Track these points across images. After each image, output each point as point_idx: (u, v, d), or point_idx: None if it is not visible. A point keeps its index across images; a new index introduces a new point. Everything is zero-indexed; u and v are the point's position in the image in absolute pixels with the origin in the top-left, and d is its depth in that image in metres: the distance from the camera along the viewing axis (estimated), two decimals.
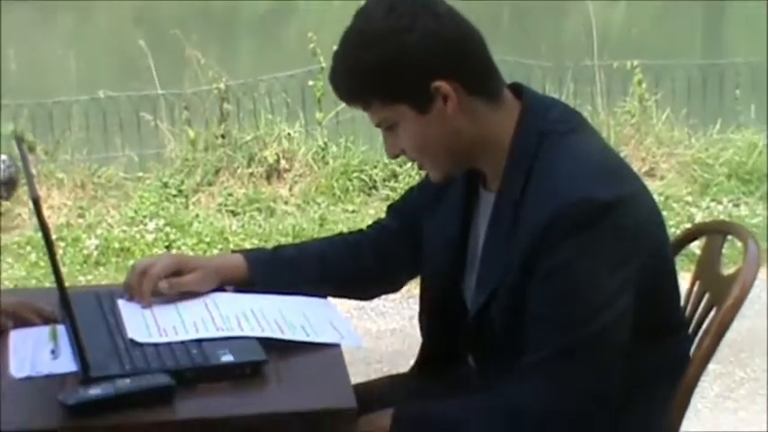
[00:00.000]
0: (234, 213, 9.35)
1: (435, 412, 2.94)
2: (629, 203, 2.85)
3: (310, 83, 10.38)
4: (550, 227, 2.76)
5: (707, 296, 3.24)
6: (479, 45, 2.91)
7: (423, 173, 3.15)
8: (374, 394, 2.97)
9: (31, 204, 2.88)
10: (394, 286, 3.40)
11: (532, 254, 2.79)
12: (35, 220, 2.82)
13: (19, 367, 2.87)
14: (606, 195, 2.80)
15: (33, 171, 8.93)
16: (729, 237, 3.37)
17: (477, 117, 2.90)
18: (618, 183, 2.88)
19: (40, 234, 2.79)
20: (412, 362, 3.32)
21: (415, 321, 3.26)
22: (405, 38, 2.82)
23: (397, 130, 2.92)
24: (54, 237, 3.02)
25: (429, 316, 3.25)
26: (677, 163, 10.15)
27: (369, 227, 3.47)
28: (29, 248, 8.54)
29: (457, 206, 3.10)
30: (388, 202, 3.43)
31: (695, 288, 3.28)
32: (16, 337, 3.01)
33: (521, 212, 2.85)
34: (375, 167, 9.68)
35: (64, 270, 2.79)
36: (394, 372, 3.26)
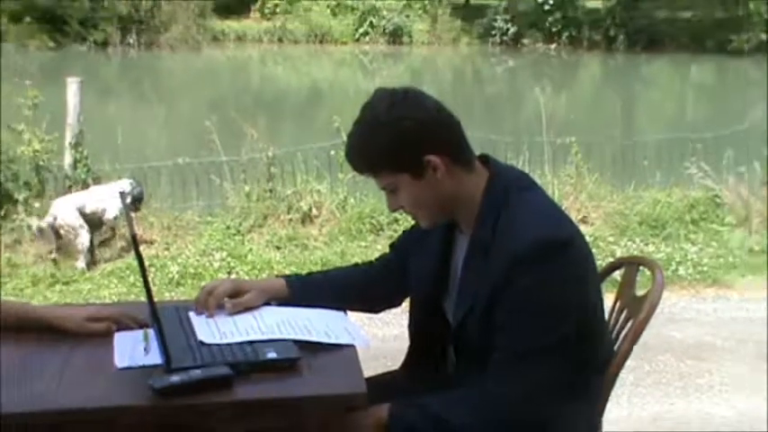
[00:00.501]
0: (278, 248, 9.34)
1: (423, 406, 2.93)
2: (575, 241, 2.90)
3: (332, 152, 10.38)
4: (515, 260, 2.79)
5: (625, 311, 3.25)
6: (457, 127, 2.95)
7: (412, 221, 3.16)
8: (376, 384, 2.96)
9: (130, 239, 2.88)
10: (395, 302, 3.40)
11: (502, 281, 2.81)
12: (133, 252, 2.79)
13: (120, 359, 2.88)
14: (558, 235, 2.86)
15: (132, 215, 8.94)
16: (641, 267, 3.39)
17: (458, 180, 2.92)
18: (564, 226, 2.92)
19: (136, 262, 2.77)
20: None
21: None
22: (403, 125, 2.85)
23: (398, 192, 2.94)
24: (147, 264, 3.04)
25: (416, 328, 3.26)
26: (603, 213, 10.16)
27: (376, 259, 3.49)
28: (128, 272, 8.54)
29: (437, 246, 3.12)
30: (390, 241, 3.44)
31: (617, 305, 3.29)
32: (119, 338, 3.02)
33: (491, 249, 2.87)
34: (382, 215, 9.68)
35: (153, 289, 2.78)
36: (397, 365, 3.27)
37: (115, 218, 9.00)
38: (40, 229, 8.96)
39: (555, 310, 2.81)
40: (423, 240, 3.19)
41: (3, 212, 9.44)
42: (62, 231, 8.86)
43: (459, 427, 2.85)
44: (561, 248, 2.83)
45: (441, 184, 2.91)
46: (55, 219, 8.80)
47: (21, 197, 9.45)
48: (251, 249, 9.23)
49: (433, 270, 3.14)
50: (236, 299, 3.19)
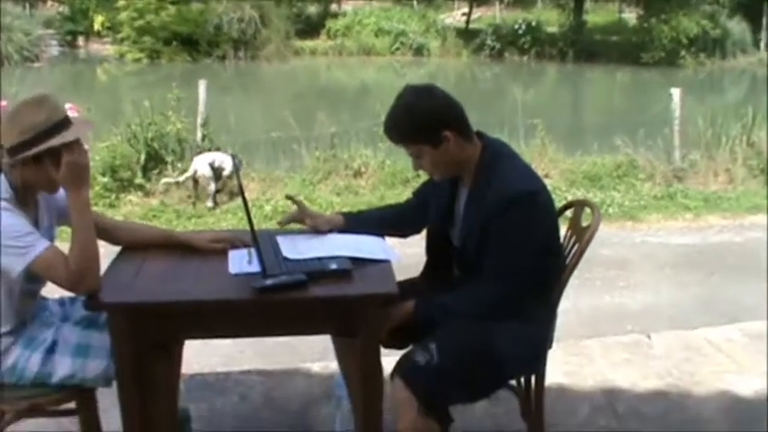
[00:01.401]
0: (337, 194, 9.30)
1: (438, 301, 2.95)
2: (541, 192, 2.91)
3: (374, 129, 10.32)
4: (501, 202, 2.81)
5: (573, 237, 3.22)
6: (462, 111, 2.93)
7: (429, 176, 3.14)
8: (403, 286, 2.95)
9: (238, 189, 2.88)
10: (418, 231, 3.36)
11: (491, 216, 2.83)
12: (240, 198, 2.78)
13: (233, 268, 2.89)
14: (530, 187, 2.88)
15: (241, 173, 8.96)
16: (585, 207, 3.37)
17: (463, 149, 2.92)
18: (535, 181, 2.92)
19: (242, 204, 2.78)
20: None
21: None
22: (425, 110, 2.87)
23: (421, 157, 2.94)
24: (250, 205, 3.06)
25: (430, 249, 3.25)
26: (559, 171, 10.08)
27: (404, 202, 3.47)
28: (238, 211, 8.57)
29: (447, 194, 3.11)
30: (413, 190, 3.42)
31: (568, 234, 3.26)
32: (232, 254, 3.02)
33: (483, 198, 2.88)
34: (408, 172, 9.60)
35: (254, 221, 2.78)
36: (416, 274, 3.27)
37: (228, 174, 9.01)
38: (177, 181, 9.00)
39: (526, 239, 2.83)
40: (437, 190, 3.17)
41: (158, 170, 9.46)
42: (199, 180, 8.89)
43: (461, 314, 2.88)
44: (531, 196, 2.85)
45: (451, 152, 2.90)
46: (195, 171, 8.83)
47: (169, 160, 9.46)
48: (320, 195, 9.20)
49: (443, 210, 3.12)
50: (309, 220, 3.25)
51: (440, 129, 2.87)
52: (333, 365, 3.87)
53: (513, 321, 2.87)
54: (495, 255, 2.86)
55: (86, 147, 2.84)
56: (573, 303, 5.72)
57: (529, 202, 2.84)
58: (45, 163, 2.72)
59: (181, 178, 8.93)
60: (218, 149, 9.52)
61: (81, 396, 2.98)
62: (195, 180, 8.89)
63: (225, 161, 8.87)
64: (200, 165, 8.82)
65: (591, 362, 4.52)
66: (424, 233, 3.31)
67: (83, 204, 2.74)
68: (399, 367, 2.85)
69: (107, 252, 2.85)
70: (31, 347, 2.88)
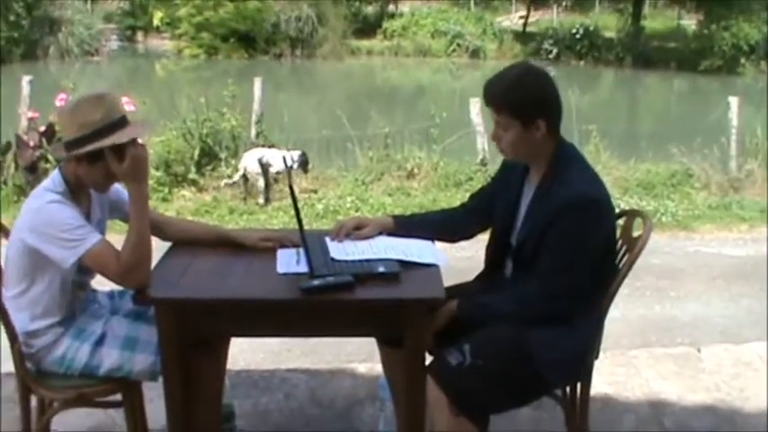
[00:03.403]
0: (389, 195, 9.31)
1: (481, 299, 2.94)
2: (603, 199, 2.89)
3: (431, 130, 10.34)
4: (565, 205, 2.79)
5: (625, 247, 3.18)
6: (561, 108, 2.94)
7: (487, 178, 3.12)
8: (454, 290, 2.94)
9: (288, 189, 2.89)
10: (468, 236, 3.33)
11: (554, 217, 2.81)
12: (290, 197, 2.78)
13: (281, 267, 2.89)
14: (594, 194, 2.86)
15: (293, 173, 8.99)
16: (637, 217, 3.33)
17: (544, 143, 2.90)
18: (599, 189, 2.90)
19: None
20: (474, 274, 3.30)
21: (479, 254, 3.23)
22: (537, 89, 2.88)
23: (507, 130, 2.90)
24: (301, 203, 3.05)
25: (490, 248, 3.20)
26: (613, 178, 9.99)
27: (459, 206, 3.42)
28: (289, 208, 8.57)
29: (513, 193, 3.07)
30: (468, 193, 3.39)
31: (620, 242, 3.22)
32: (280, 253, 3.02)
33: (549, 197, 2.86)
34: (461, 174, 9.62)
35: (305, 220, 2.80)
36: (466, 279, 3.25)
37: (277, 172, 9.04)
38: (234, 182, 9.06)
39: (583, 243, 2.80)
40: (502, 190, 3.15)
41: (212, 166, 9.54)
42: (248, 176, 8.95)
43: (504, 313, 2.87)
44: (596, 203, 2.84)
45: (535, 140, 2.88)
46: (245, 168, 8.89)
47: (223, 156, 9.54)
48: (372, 195, 9.21)
49: (509, 209, 3.09)
50: (358, 230, 3.19)
51: (538, 113, 2.85)
52: (378, 367, 3.85)
53: (553, 327, 2.84)
54: (548, 256, 2.84)
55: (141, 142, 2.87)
56: (622, 313, 5.66)
57: (592, 209, 2.82)
58: (103, 158, 2.76)
59: (236, 177, 8.99)
60: (271, 146, 9.58)
61: (127, 388, 3.01)
62: (245, 176, 8.94)
63: (274, 157, 8.91)
64: (249, 161, 8.89)
65: (638, 373, 4.46)
66: (483, 235, 3.28)
67: (142, 199, 2.79)
68: (432, 367, 2.84)
69: (157, 247, 2.87)
70: (80, 339, 2.92)
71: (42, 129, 8.97)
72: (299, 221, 2.82)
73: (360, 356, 4.62)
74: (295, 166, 8.99)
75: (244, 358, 4.60)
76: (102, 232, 2.95)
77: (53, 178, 2.86)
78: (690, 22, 35.95)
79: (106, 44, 31.23)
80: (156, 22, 33.55)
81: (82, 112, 2.76)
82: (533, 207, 2.97)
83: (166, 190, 9.02)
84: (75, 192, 2.86)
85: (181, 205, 8.79)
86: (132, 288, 2.73)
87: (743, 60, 29.03)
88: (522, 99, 2.86)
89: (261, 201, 8.87)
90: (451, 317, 2.92)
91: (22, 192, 8.50)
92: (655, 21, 37.85)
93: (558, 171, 2.90)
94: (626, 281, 3.08)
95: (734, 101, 10.37)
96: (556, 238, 2.82)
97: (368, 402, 3.98)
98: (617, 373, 4.41)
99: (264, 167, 8.84)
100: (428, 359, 2.86)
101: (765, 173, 10.13)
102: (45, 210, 2.74)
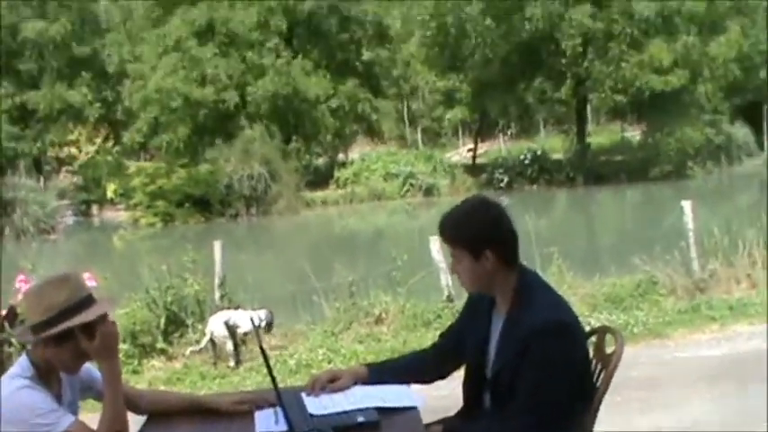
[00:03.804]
0: (360, 342, 9.25)
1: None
2: (571, 324, 2.94)
3: (393, 273, 10.39)
4: (532, 333, 2.82)
5: (599, 365, 3.21)
6: (512, 239, 3.00)
7: (455, 313, 3.16)
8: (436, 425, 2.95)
9: (259, 349, 2.89)
10: (443, 375, 3.35)
11: (523, 347, 2.83)
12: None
13: (260, 427, 2.89)
14: (562, 319, 2.90)
15: (261, 332, 8.94)
16: (608, 334, 3.36)
17: (499, 273, 2.96)
18: (566, 313, 2.95)
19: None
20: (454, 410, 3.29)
21: (456, 391, 3.23)
22: (479, 220, 2.96)
23: (461, 263, 2.98)
24: (272, 360, 3.03)
25: (467, 384, 3.20)
26: (579, 296, 10.05)
27: (430, 346, 3.45)
28: (262, 368, 8.51)
29: (482, 326, 3.09)
30: (437, 331, 3.42)
31: (593, 361, 3.24)
32: (258, 414, 3.01)
33: (518, 326, 2.89)
34: (429, 314, 9.64)
35: (278, 377, 2.80)
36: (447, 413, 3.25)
37: (245, 333, 9.00)
38: (201, 347, 8.99)
39: (556, 369, 2.82)
40: (470, 325, 3.17)
41: (179, 333, 9.49)
42: (215, 340, 8.89)
43: None
44: (566, 327, 2.88)
45: (488, 271, 2.94)
46: (212, 332, 8.84)
47: (189, 322, 9.50)
48: (342, 345, 9.16)
49: (480, 344, 3.10)
50: (333, 383, 3.18)
51: (483, 244, 2.92)
52: None
53: None
54: (526, 385, 2.84)
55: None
56: (605, 430, 5.61)
57: (561, 333, 2.85)
58: (71, 338, 2.76)
59: (203, 343, 8.94)
60: (237, 308, 9.56)
61: None
62: (212, 341, 8.89)
63: (240, 318, 8.88)
64: (215, 325, 8.85)
65: None
66: (459, 372, 3.28)
67: (115, 375, 2.79)
68: None
69: (132, 420, 2.84)
70: None
71: (3, 312, 8.89)
72: (273, 380, 2.82)
73: None
74: (263, 324, 8.96)
75: None
76: (75, 413, 2.91)
77: (21, 363, 2.85)
78: (634, 134, 37.05)
79: (61, 221, 31.39)
80: (109, 194, 33.89)
81: (47, 295, 2.78)
82: (503, 337, 2.99)
83: (136, 362, 8.92)
84: (45, 375, 2.84)
85: (152, 375, 8.69)
86: None
87: (690, 163, 29.80)
88: (470, 231, 2.95)
89: (231, 363, 8.79)
90: None
91: None
92: (599, 136, 38.96)
93: (524, 299, 2.94)
94: (606, 397, 3.09)
95: (687, 204, 10.58)
96: (529, 368, 2.83)
97: None
98: None
99: (231, 330, 8.80)
100: None
101: (728, 270, 10.27)
102: (15, 396, 2.71)
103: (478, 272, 2.95)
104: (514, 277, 2.98)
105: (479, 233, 2.93)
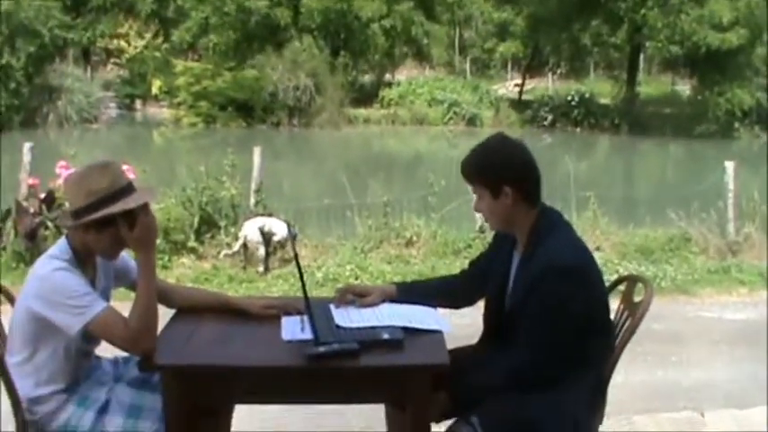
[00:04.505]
0: (389, 263, 9.30)
1: (471, 381, 2.96)
2: (590, 268, 2.94)
3: (429, 198, 10.39)
4: (544, 273, 2.83)
5: (626, 313, 3.21)
6: (533, 176, 2.98)
7: (485, 245, 3.16)
8: (457, 352, 2.97)
9: (293, 256, 2.92)
10: (471, 302, 3.37)
11: (534, 284, 2.85)
12: (293, 263, 2.80)
13: (285, 335, 2.92)
14: (578, 262, 2.90)
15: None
16: (638, 282, 3.35)
17: (519, 211, 2.96)
18: (584, 256, 2.95)
19: (295, 271, 2.83)
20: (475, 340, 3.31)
21: (478, 320, 3.25)
22: (499, 157, 2.97)
23: (482, 201, 2.99)
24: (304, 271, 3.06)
25: (487, 316, 3.22)
26: (611, 244, 10.03)
27: (460, 272, 3.48)
28: (289, 276, 8.61)
29: (503, 262, 3.10)
30: (466, 260, 3.42)
31: (620, 308, 3.24)
32: (285, 320, 3.05)
33: (530, 265, 2.90)
34: (460, 242, 9.66)
35: (307, 288, 2.82)
36: (469, 341, 3.27)
37: (279, 241, 9.05)
38: (235, 252, 9.06)
39: (563, 312, 2.82)
40: (496, 258, 3.18)
41: (211, 234, 9.56)
42: (248, 245, 8.96)
43: (495, 388, 2.89)
44: (574, 270, 2.87)
45: (507, 208, 2.94)
46: (245, 236, 8.90)
47: (222, 224, 9.56)
48: (371, 263, 9.20)
49: (500, 278, 3.11)
50: (362, 299, 3.21)
51: (502, 181, 2.92)
52: None
53: (550, 393, 2.85)
54: (528, 323, 2.87)
55: None
56: (624, 378, 5.63)
57: (571, 276, 2.85)
58: (112, 225, 2.79)
59: (236, 247, 9.00)
60: (270, 215, 9.61)
61: None
62: (245, 245, 8.96)
63: (275, 226, 8.93)
64: (250, 230, 8.90)
65: None
66: (482, 303, 3.30)
67: (151, 266, 2.83)
68: None
69: (161, 314, 2.89)
70: (84, 406, 2.92)
71: (42, 196, 9.01)
72: (304, 289, 2.85)
73: (361, 423, 4.60)
74: (298, 234, 9.04)
75: (243, 424, 4.57)
76: (107, 300, 2.96)
77: (59, 246, 2.89)
78: (684, 88, 36.39)
79: (105, 112, 31.54)
80: (154, 90, 33.90)
81: (89, 180, 2.80)
82: (518, 275, 3.01)
83: (166, 258, 9.02)
84: (82, 260, 2.88)
85: (180, 273, 8.80)
86: (139, 354, 2.74)
87: (737, 125, 29.31)
88: (488, 167, 2.95)
89: (261, 269, 8.87)
90: (444, 408, 2.93)
91: (21, 258, 8.50)
92: (649, 87, 38.31)
93: (540, 239, 2.94)
94: (627, 346, 3.09)
95: (730, 165, 10.45)
96: (535, 306, 2.85)
97: None
98: None
99: (267, 236, 8.86)
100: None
101: (763, 236, 10.16)
102: (51, 277, 2.76)
103: (498, 209, 2.96)
104: (534, 216, 2.98)
105: (498, 170, 2.93)
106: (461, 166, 3.02)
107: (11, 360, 2.91)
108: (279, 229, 8.91)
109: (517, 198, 2.92)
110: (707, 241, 10.05)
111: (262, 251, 8.89)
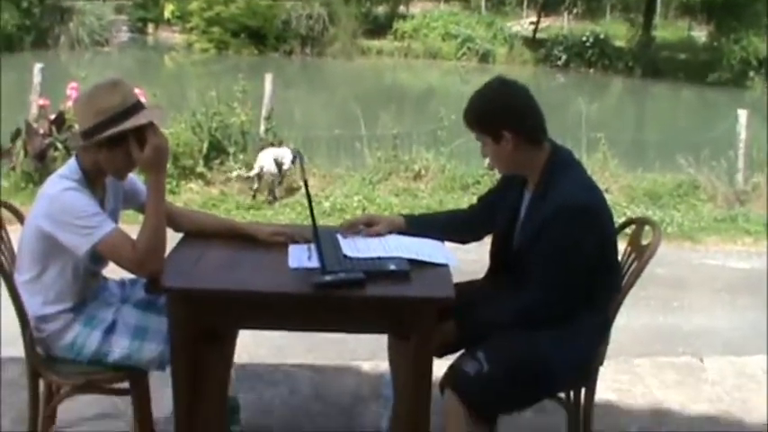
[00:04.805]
0: (396, 195, 9.33)
1: (480, 316, 2.96)
2: (601, 207, 2.93)
3: (438, 132, 10.36)
4: (556, 212, 2.82)
5: (633, 255, 3.20)
6: (533, 116, 2.95)
7: (494, 181, 3.15)
8: (463, 287, 2.97)
9: (302, 184, 2.91)
10: (479, 237, 3.36)
11: (545, 223, 2.84)
12: (302, 191, 2.79)
13: (292, 262, 2.91)
14: (590, 201, 2.89)
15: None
16: (646, 225, 3.34)
17: (525, 152, 2.93)
18: (595, 196, 2.93)
19: (304, 199, 2.82)
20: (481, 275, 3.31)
21: (485, 257, 3.25)
22: (496, 102, 2.94)
23: (485, 147, 2.97)
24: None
25: (494, 252, 3.22)
26: (619, 186, 10.02)
27: (468, 207, 3.47)
28: (296, 205, 8.64)
29: (513, 199, 3.09)
30: (474, 196, 3.41)
31: (628, 250, 3.24)
32: (292, 248, 3.05)
33: (543, 204, 2.88)
34: (469, 177, 9.65)
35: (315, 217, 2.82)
36: (475, 277, 3.27)
37: (288, 169, 9.04)
38: (249, 176, 9.05)
39: (574, 251, 2.82)
40: (505, 195, 3.17)
41: (219, 160, 9.56)
42: (264, 176, 8.94)
43: (503, 324, 2.89)
44: (585, 209, 2.85)
45: (510, 152, 2.92)
46: (261, 168, 8.89)
47: (231, 151, 9.55)
48: (378, 195, 9.22)
49: (509, 215, 3.11)
50: (370, 228, 3.21)
51: (500, 126, 2.90)
52: (382, 365, 3.88)
53: (558, 331, 2.86)
54: (541, 262, 2.87)
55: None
56: (626, 321, 5.63)
57: (582, 215, 2.84)
58: (123, 143, 2.78)
59: (251, 173, 8.99)
60: (280, 143, 9.59)
61: (134, 377, 3.03)
62: (260, 175, 8.95)
63: (285, 156, 8.93)
64: (266, 161, 8.89)
65: (641, 381, 4.48)
66: (488, 239, 3.30)
67: (160, 188, 2.82)
68: (449, 379, 2.86)
69: (168, 237, 2.89)
70: (91, 325, 2.94)
71: (52, 117, 8.99)
72: (312, 216, 2.84)
73: (364, 354, 4.64)
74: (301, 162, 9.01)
75: (247, 352, 4.61)
76: (116, 221, 2.97)
77: (69, 166, 2.88)
78: (700, 34, 35.92)
79: (116, 35, 31.28)
80: (166, 14, 33.56)
81: (99, 99, 2.78)
82: (529, 214, 3.00)
83: (174, 182, 9.03)
84: (91, 180, 2.88)
85: (188, 198, 8.81)
86: (146, 276, 2.75)
87: (751, 74, 29.00)
88: (485, 114, 2.93)
89: (269, 197, 8.89)
90: (450, 337, 2.94)
91: (31, 179, 8.52)
92: (665, 31, 37.79)
93: (552, 177, 2.93)
94: (630, 290, 3.10)
95: (743, 113, 10.37)
96: (547, 245, 2.84)
97: (372, 400, 4.00)
98: (620, 381, 4.43)
99: (280, 166, 8.87)
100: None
101: None
102: (61, 197, 2.76)
103: (502, 154, 2.94)
104: (544, 156, 2.97)
105: (494, 115, 2.91)
106: (463, 115, 2.99)
107: (19, 278, 2.92)
108: (289, 157, 8.92)
109: (518, 141, 2.90)
110: (715, 189, 10.02)
111: (276, 182, 8.91)
